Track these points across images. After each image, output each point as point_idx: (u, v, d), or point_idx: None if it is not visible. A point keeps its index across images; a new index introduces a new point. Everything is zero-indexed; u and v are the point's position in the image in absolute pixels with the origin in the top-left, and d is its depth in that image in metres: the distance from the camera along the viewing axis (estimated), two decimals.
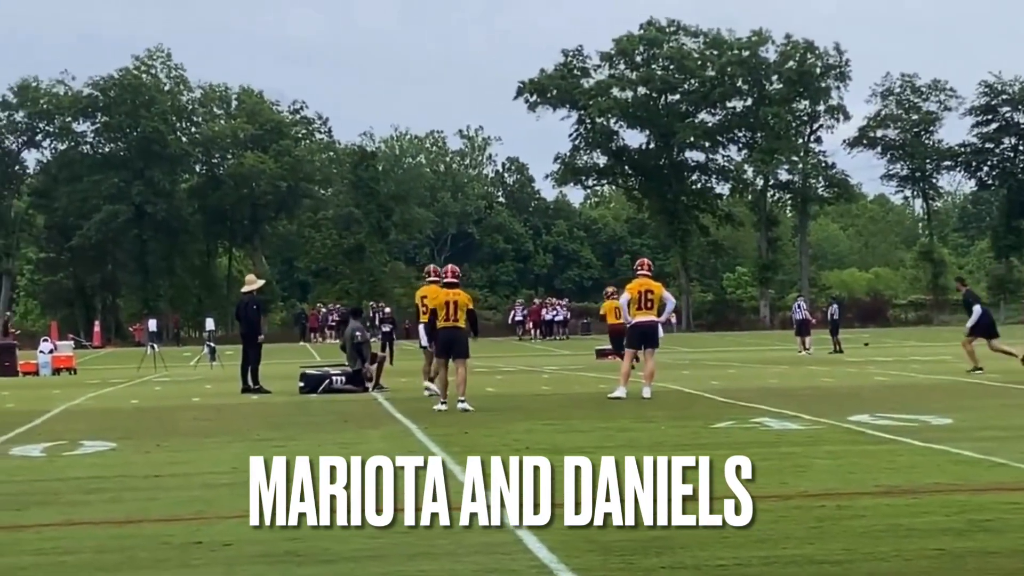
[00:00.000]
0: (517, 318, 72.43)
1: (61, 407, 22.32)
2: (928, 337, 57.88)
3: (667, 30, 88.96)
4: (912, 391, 21.82)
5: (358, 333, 25.12)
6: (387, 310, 48.16)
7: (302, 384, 24.74)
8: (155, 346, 43.93)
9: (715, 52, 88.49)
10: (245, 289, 26.33)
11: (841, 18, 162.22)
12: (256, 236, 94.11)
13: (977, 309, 27.56)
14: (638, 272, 21.24)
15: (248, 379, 25.13)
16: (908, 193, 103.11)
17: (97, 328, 74.99)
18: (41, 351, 41.42)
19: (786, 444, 13.30)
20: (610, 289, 36.40)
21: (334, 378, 24.64)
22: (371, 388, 24.30)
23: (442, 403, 19.12)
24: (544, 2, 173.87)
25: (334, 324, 70.49)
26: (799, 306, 43.26)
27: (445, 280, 20.76)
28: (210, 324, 53.71)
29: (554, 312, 70.73)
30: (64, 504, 10.12)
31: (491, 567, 7.22)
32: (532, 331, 69.94)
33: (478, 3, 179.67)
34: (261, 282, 27.24)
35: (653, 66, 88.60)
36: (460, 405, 18.82)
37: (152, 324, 51.77)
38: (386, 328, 40.76)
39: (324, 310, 73.67)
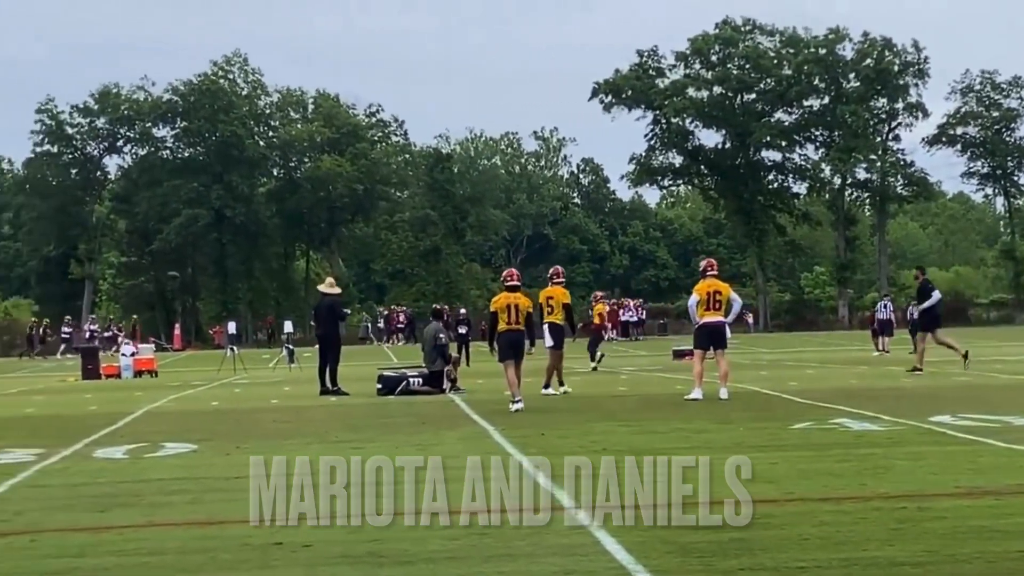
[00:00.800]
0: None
1: (143, 409, 22.58)
2: (1010, 337, 57.11)
3: (743, 29, 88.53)
4: (994, 391, 21.55)
5: (441, 335, 25.19)
6: (463, 311, 48.25)
7: (380, 386, 24.87)
8: (235, 348, 44.34)
9: (791, 51, 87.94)
10: (323, 289, 26.50)
11: (919, 15, 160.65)
12: (333, 239, 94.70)
13: (936, 295, 27.58)
14: (706, 273, 21.13)
15: (326, 381, 25.27)
16: (989, 191, 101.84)
17: (177, 331, 75.79)
18: (123, 354, 41.96)
19: (865, 445, 13.17)
20: (599, 294, 41.52)
21: (411, 379, 24.74)
22: (448, 390, 24.35)
23: (517, 401, 19.36)
24: (619, 3, 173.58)
25: (402, 326, 70.85)
26: (885, 305, 42.74)
27: (508, 284, 20.96)
28: (288, 326, 54.06)
29: (629, 313, 70.49)
30: (146, 505, 10.24)
31: (569, 568, 7.21)
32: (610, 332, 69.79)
33: (552, 5, 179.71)
34: (338, 290, 27.42)
35: (729, 65, 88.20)
36: (514, 406, 19.20)
37: (231, 327, 52.17)
38: (462, 330, 40.91)
39: (386, 313, 74.11)
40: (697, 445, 13.58)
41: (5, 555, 8.23)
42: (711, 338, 20.75)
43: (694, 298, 21.04)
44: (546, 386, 23.63)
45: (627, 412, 18.52)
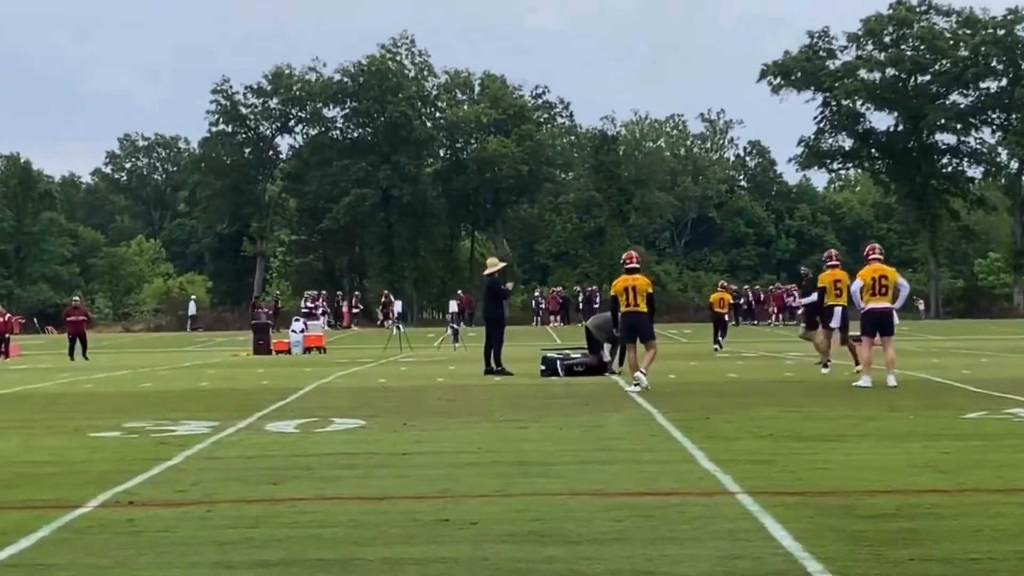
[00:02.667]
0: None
1: (312, 385, 23.03)
2: None
3: (917, 9, 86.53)
4: None
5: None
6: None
7: (543, 367, 24.96)
8: (401, 327, 44.93)
9: (968, 31, 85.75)
10: (487, 272, 26.64)
11: None
12: (498, 220, 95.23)
13: (814, 296, 26.77)
14: (869, 257, 20.71)
15: (491, 360, 25.43)
16: None
17: (345, 309, 76.98)
18: (293, 330, 42.83)
19: None
20: (723, 282, 44.23)
21: (574, 361, 24.77)
22: (608, 372, 24.25)
23: (635, 384, 19.69)
24: None
25: (557, 308, 71.14)
26: None
27: (627, 266, 20.93)
28: (453, 307, 54.54)
29: (791, 298, 69.77)
30: (317, 479, 10.44)
31: (735, 553, 7.18)
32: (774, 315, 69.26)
33: None
34: (502, 264, 27.49)
35: (902, 47, 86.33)
36: (637, 376, 19.80)
37: (398, 305, 52.84)
38: None
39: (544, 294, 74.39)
40: (866, 433, 13.39)
41: (182, 524, 8.47)
42: (877, 324, 20.35)
43: (857, 283, 20.66)
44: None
45: (793, 398, 18.32)
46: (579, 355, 25.32)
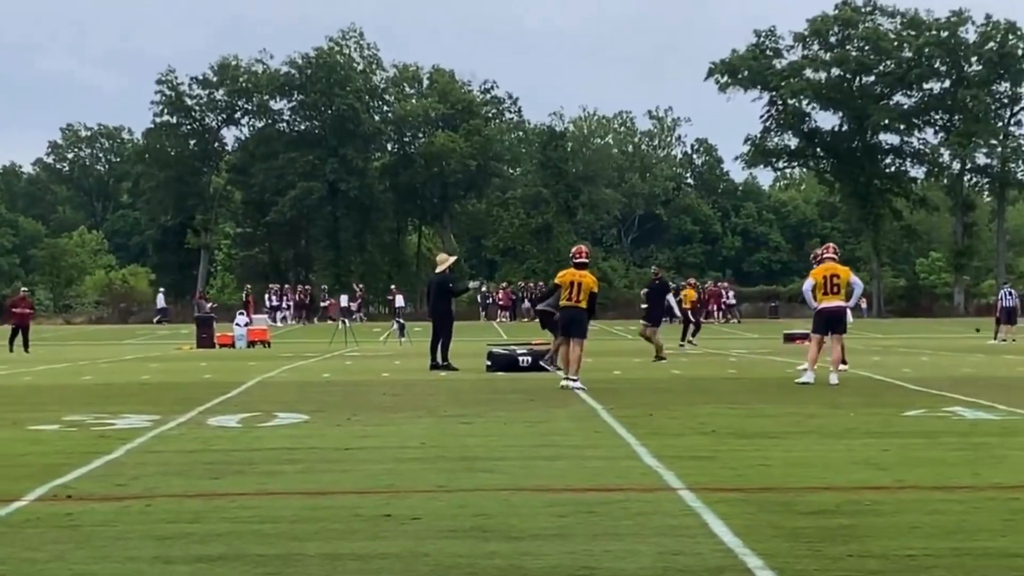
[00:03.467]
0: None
1: (256, 379, 22.93)
2: None
3: (863, 10, 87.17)
4: None
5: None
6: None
7: (489, 363, 24.97)
8: (347, 321, 44.83)
9: (912, 33, 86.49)
10: (439, 269, 26.55)
11: None
12: (445, 214, 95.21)
13: (670, 298, 27.59)
14: (823, 256, 20.87)
15: (437, 356, 25.40)
16: None
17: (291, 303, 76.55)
18: (237, 324, 42.65)
19: (979, 434, 12.97)
20: (691, 279, 44.96)
21: (520, 357, 24.80)
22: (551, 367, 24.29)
23: (566, 379, 19.58)
24: None
25: (510, 303, 71.32)
26: (1009, 292, 42.01)
27: (576, 260, 20.50)
28: (400, 301, 54.51)
29: (730, 295, 70.40)
30: (259, 474, 10.39)
31: (676, 549, 7.21)
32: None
33: None
34: (453, 259, 27.52)
35: (848, 47, 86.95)
36: (571, 384, 19.39)
37: (344, 299, 52.71)
38: None
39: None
40: (808, 430, 13.49)
41: (121, 518, 8.41)
42: (829, 323, 20.49)
43: (809, 282, 20.81)
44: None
45: (737, 395, 18.42)
46: (526, 351, 25.34)
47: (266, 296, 70.27)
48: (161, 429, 13.93)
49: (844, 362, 23.13)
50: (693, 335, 38.93)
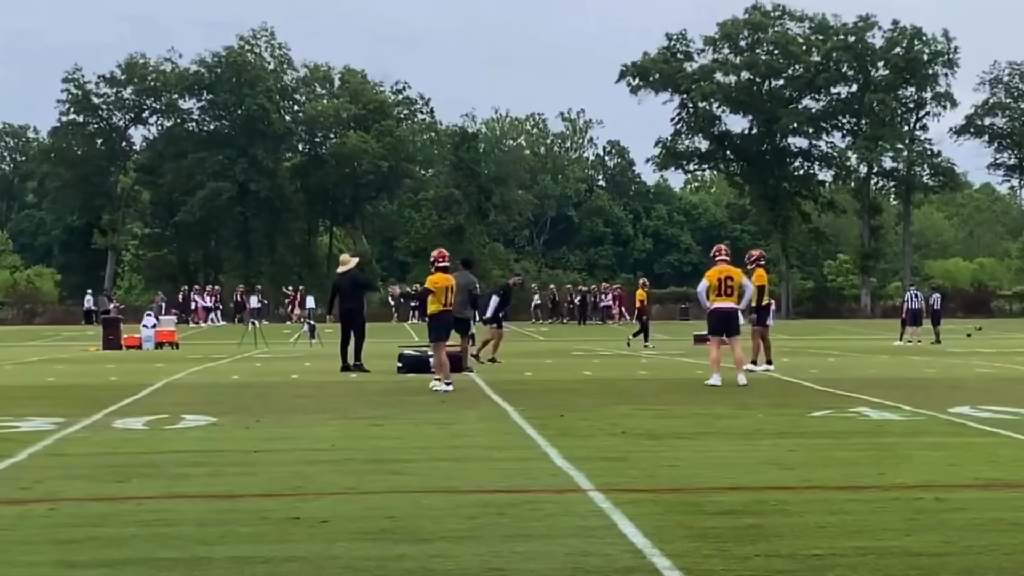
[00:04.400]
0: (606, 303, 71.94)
1: (163, 381, 22.69)
2: None
3: (772, 15, 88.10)
4: (1016, 384, 21.47)
5: (476, 285, 25.14)
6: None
7: (400, 364, 24.88)
8: (256, 322, 44.51)
9: (820, 37, 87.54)
10: (341, 270, 26.38)
11: (950, 4, 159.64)
12: (357, 215, 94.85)
13: (494, 300, 28.40)
14: (716, 258, 21.07)
15: (349, 357, 25.26)
16: (1015, 183, 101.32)
17: (200, 303, 75.89)
18: (144, 325, 42.17)
19: (885, 435, 13.15)
20: (643, 279, 44.67)
21: (431, 359, 24.71)
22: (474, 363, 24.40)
23: (447, 384, 19.48)
24: None
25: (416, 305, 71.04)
26: (915, 295, 42.59)
27: (439, 265, 20.44)
28: (310, 302, 54.10)
29: (607, 298, 70.85)
30: (166, 477, 10.28)
31: (585, 550, 7.22)
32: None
33: None
34: (356, 259, 27.36)
35: (757, 51, 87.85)
36: (438, 386, 19.48)
37: (253, 301, 52.32)
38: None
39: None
40: (717, 431, 13.60)
41: (23, 522, 8.28)
42: (722, 324, 20.67)
43: (704, 284, 20.99)
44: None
45: (647, 396, 18.52)
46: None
47: (202, 295, 70.05)
48: (66, 432, 13.74)
49: (754, 362, 23.39)
50: (646, 337, 39.09)
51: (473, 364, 25.22)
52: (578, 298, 71.00)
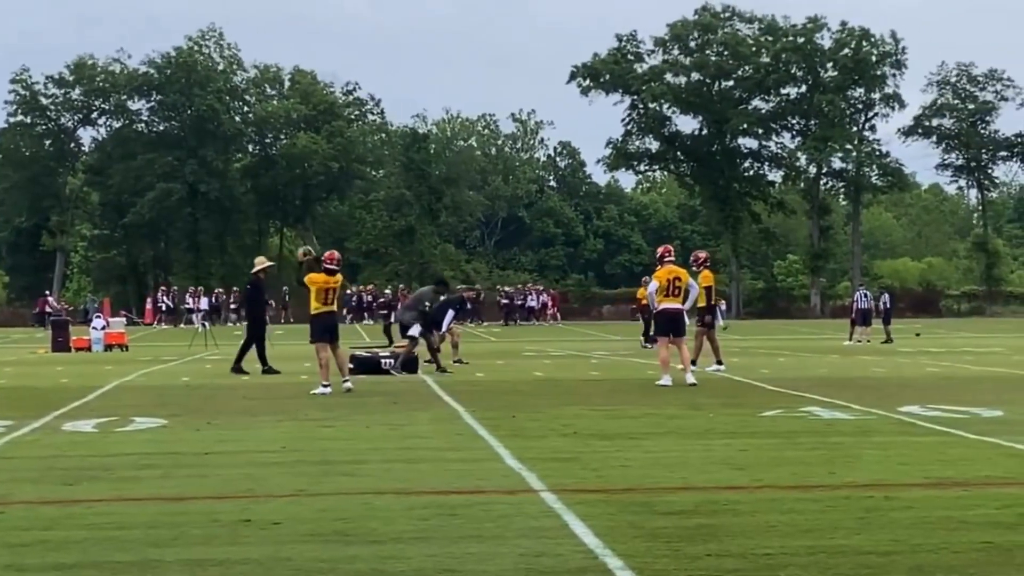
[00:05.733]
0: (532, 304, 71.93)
1: (113, 383, 22.53)
2: (981, 328, 57.48)
3: (721, 16, 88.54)
4: (964, 383, 21.64)
5: (427, 303, 25.19)
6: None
7: (352, 366, 24.79)
8: (207, 324, 44.25)
9: (770, 38, 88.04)
10: (255, 270, 26.36)
11: (898, 6, 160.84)
12: (307, 216, 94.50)
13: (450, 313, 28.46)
14: (664, 259, 21.12)
15: (241, 359, 25.23)
16: (963, 183, 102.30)
17: (149, 305, 75.53)
18: (94, 327, 41.84)
19: (835, 434, 13.24)
20: (646, 278, 40.66)
21: (383, 360, 24.71)
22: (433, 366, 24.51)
23: (324, 385, 19.49)
24: None
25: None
26: (864, 295, 42.83)
27: (327, 267, 20.56)
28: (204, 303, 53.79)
29: (531, 298, 71.01)
30: (116, 480, 10.22)
31: (537, 551, 7.24)
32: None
33: None
34: (269, 264, 27.47)
35: (707, 52, 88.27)
36: (346, 385, 19.74)
37: (204, 302, 52.07)
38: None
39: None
40: (668, 431, 13.65)
41: None
42: (671, 324, 20.73)
43: (654, 284, 21.06)
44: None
45: (599, 396, 18.55)
46: (388, 354, 25.28)
47: (185, 296, 70.28)
48: (14, 435, 13.63)
49: (694, 362, 23.29)
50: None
51: (449, 366, 25.30)
52: (504, 300, 70.94)
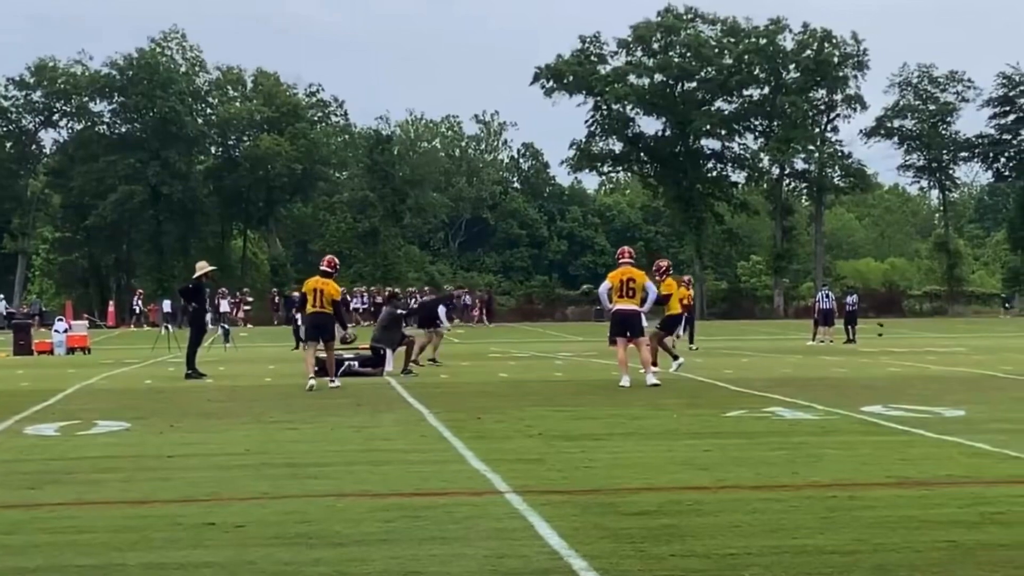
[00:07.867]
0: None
1: (75, 387, 22.40)
2: (942, 328, 57.81)
3: (684, 17, 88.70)
4: (926, 382, 21.74)
5: (400, 312, 25.79)
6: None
7: (317, 368, 24.72)
8: (169, 327, 44.08)
9: (732, 40, 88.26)
10: (197, 274, 26.40)
11: (859, 8, 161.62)
12: (271, 218, 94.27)
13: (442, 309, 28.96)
14: (620, 261, 21.13)
15: (193, 363, 25.16)
16: (924, 184, 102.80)
17: (111, 308, 75.12)
18: (56, 330, 41.58)
19: (798, 434, 13.29)
20: (688, 276, 43.33)
21: (348, 362, 24.66)
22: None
23: (312, 383, 20.55)
24: None
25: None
26: (826, 295, 42.98)
27: (321, 269, 21.81)
28: (224, 306, 53.73)
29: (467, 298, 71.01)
30: (78, 483, 10.17)
31: (502, 552, 7.24)
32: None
33: None
34: (211, 268, 27.61)
35: (670, 53, 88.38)
36: (330, 384, 20.72)
37: (166, 305, 51.85)
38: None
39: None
40: (631, 431, 13.67)
41: None
42: (623, 325, 20.69)
43: (605, 285, 21.07)
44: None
45: (563, 397, 18.55)
46: (352, 355, 25.24)
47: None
48: None
49: (655, 363, 23.29)
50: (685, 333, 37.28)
51: (415, 368, 25.38)
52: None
